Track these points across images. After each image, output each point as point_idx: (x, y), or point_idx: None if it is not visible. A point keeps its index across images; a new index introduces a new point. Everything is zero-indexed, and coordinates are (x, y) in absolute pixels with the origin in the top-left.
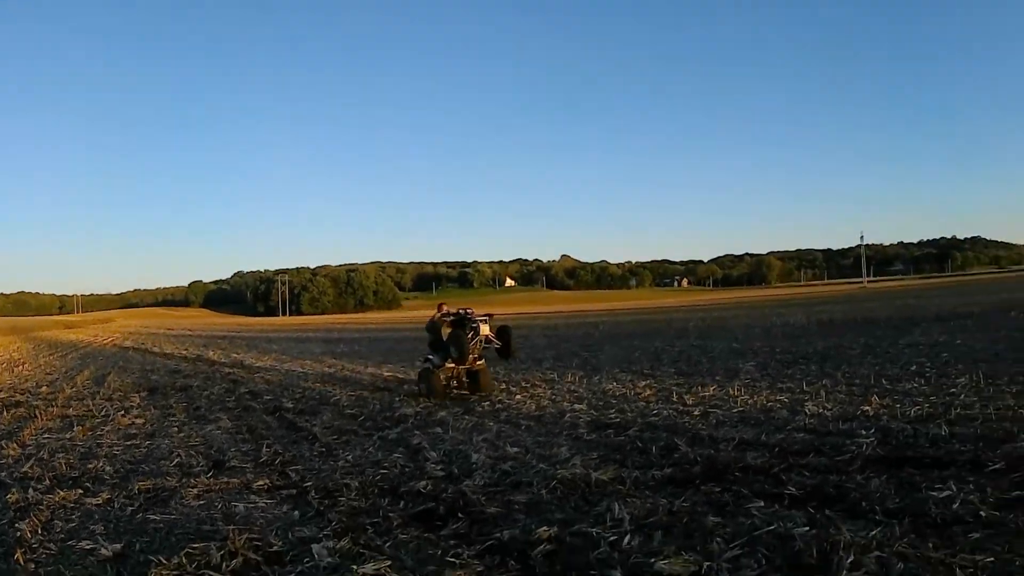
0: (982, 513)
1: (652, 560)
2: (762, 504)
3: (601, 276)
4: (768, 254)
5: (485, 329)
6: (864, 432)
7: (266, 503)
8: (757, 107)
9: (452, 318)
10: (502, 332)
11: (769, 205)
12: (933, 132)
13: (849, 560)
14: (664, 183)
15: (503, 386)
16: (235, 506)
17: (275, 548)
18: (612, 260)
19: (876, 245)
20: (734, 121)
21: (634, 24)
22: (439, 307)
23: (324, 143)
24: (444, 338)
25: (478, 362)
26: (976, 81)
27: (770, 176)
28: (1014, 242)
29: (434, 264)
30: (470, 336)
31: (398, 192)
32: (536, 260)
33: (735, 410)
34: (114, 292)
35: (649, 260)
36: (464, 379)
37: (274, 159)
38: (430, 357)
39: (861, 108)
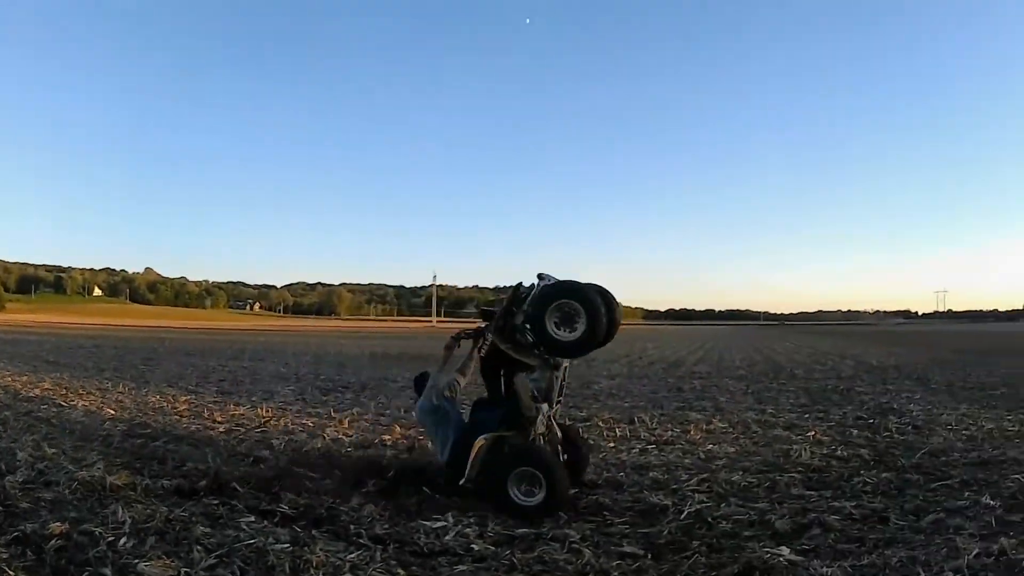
0: (474, 546)
1: (137, 562)
2: (253, 519)
3: (180, 293)
4: (340, 285)
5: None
6: (380, 461)
7: None
8: (336, 143)
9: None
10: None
11: (346, 238)
12: (514, 186)
13: None
14: (248, 206)
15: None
16: None
17: None
18: (192, 277)
19: (450, 287)
20: (313, 154)
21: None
22: (471, 336)
23: None
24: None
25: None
26: (559, 137)
27: (350, 210)
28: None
29: (35, 266)
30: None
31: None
32: (123, 271)
33: (258, 429)
34: None
35: (226, 281)
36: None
37: None
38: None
39: (440, 156)
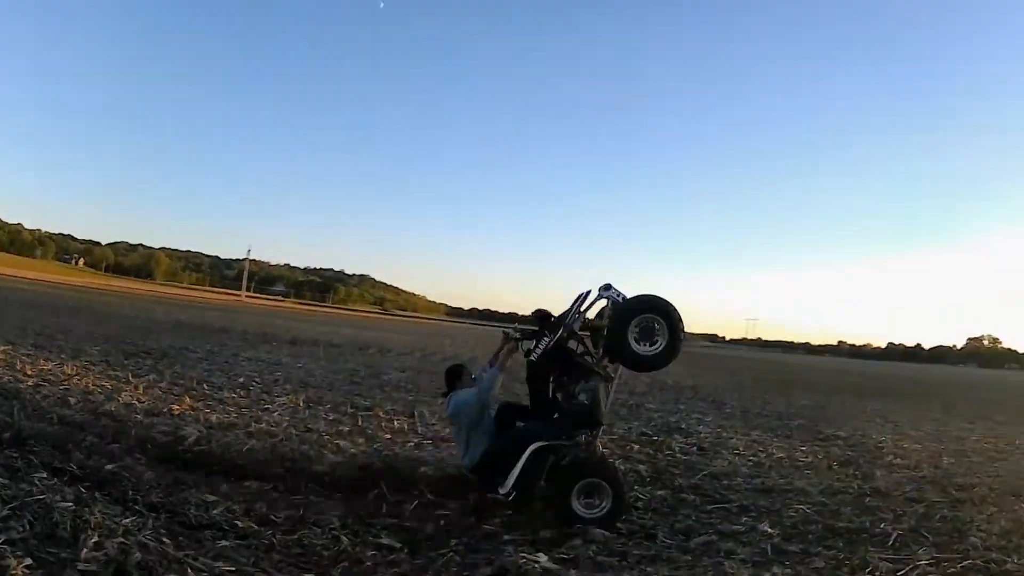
0: (238, 523)
1: None
2: (45, 476)
3: (15, 239)
4: (160, 249)
5: None
6: (165, 429)
7: None
8: (167, 105)
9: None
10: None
11: (169, 199)
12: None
13: (94, 540)
14: (85, 157)
15: None
16: None
17: None
18: (28, 225)
19: (262, 262)
20: (146, 113)
21: None
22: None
23: None
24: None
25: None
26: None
27: (175, 171)
28: (403, 287)
29: None
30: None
31: None
32: None
33: (62, 386)
34: None
35: (57, 232)
36: None
37: None
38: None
39: (267, 129)
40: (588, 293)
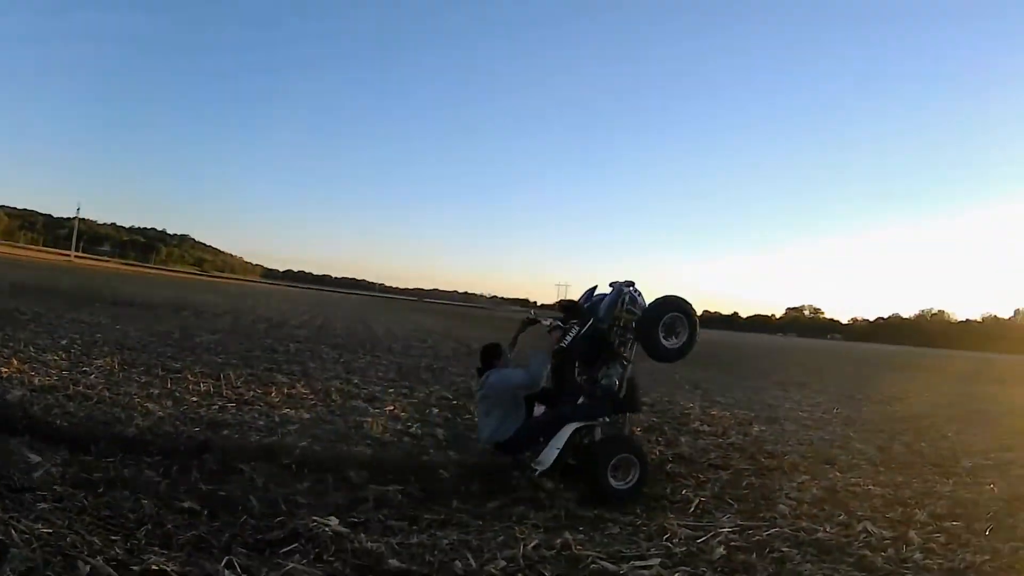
0: (56, 487)
1: None
2: None
3: None
4: (1, 207)
5: None
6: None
7: None
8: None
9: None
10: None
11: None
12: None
13: None
14: None
15: None
16: None
17: None
18: None
19: (91, 221)
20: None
21: None
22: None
23: None
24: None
25: None
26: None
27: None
28: (221, 248)
29: None
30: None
31: None
32: None
33: None
34: None
35: None
36: None
37: None
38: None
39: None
40: (619, 286)
